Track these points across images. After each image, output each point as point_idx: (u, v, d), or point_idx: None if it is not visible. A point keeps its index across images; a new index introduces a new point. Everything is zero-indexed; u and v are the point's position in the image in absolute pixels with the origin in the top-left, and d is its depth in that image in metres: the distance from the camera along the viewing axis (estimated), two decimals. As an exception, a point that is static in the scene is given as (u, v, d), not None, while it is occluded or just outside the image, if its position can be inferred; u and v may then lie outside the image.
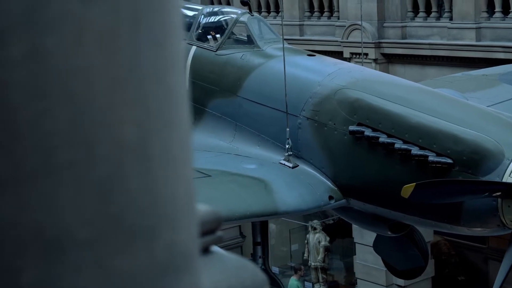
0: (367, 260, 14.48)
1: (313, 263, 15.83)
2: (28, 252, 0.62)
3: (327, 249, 15.95)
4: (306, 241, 16.19)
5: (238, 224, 16.33)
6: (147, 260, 0.68)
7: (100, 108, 0.65)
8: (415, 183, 6.60)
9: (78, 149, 0.64)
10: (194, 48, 9.54)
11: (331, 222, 16.58)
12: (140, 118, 0.67)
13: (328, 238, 15.93)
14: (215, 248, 1.05)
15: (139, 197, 0.68)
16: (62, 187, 0.64)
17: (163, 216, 0.69)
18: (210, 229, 1.06)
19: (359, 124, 7.63)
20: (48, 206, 0.63)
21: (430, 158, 7.03)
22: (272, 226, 17.62)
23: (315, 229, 15.92)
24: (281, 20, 10.03)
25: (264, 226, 10.22)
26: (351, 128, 7.62)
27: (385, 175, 7.48)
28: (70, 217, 0.64)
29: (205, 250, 1.04)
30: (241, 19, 9.38)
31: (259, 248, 10.10)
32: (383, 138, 7.40)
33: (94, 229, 0.65)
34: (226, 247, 15.43)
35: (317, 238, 15.85)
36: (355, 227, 14.12)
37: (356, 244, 15.17)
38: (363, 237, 14.21)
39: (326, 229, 16.28)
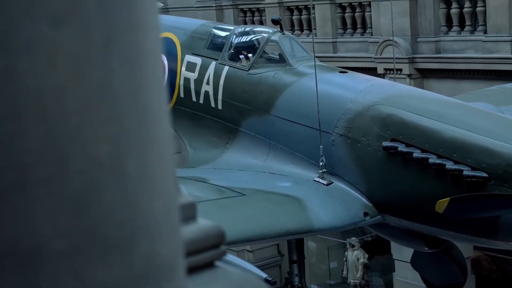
0: (406, 276, 14.33)
1: (352, 281, 15.72)
2: (6, 264, 0.66)
3: (366, 266, 15.83)
4: (344, 259, 16.09)
5: (275, 242, 16.31)
6: (125, 271, 0.71)
7: (73, 127, 0.68)
8: (449, 198, 6.55)
9: (52, 166, 0.67)
10: (226, 68, 9.62)
11: (370, 239, 16.46)
12: (114, 136, 0.70)
13: (366, 255, 15.81)
14: (219, 263, 1.08)
15: (115, 210, 0.71)
16: (37, 201, 0.67)
17: (140, 228, 0.72)
18: (214, 244, 1.09)
19: (392, 140, 7.60)
20: (24, 220, 0.66)
21: (465, 173, 6.97)
22: (311, 244, 17.56)
23: (353, 246, 15.83)
24: (312, 38, 10.06)
25: (299, 244, 10.20)
26: (385, 144, 7.59)
27: (419, 190, 7.43)
28: (46, 229, 0.67)
29: (210, 265, 1.07)
30: (273, 38, 9.43)
31: (295, 266, 10.08)
32: (417, 153, 7.36)
33: (70, 241, 0.68)
34: (264, 266, 15.42)
35: (355, 255, 15.76)
36: (393, 244, 14.00)
37: (395, 261, 15.04)
38: (402, 254, 14.07)
39: (364, 246, 16.17)
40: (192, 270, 1.01)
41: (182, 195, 1.08)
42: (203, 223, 1.12)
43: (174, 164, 0.78)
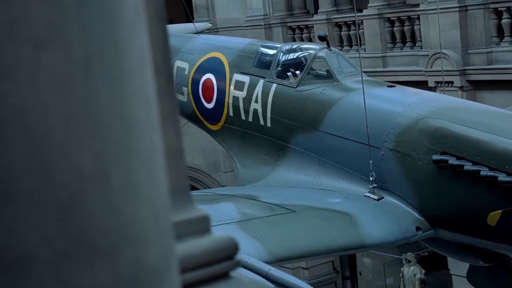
0: (464, 292, 14.10)
1: (409, 297, 15.54)
2: None
3: (423, 282, 15.64)
4: (401, 274, 15.92)
5: (329, 259, 16.23)
6: (111, 276, 0.74)
7: (57, 141, 0.72)
8: (501, 210, 6.45)
9: (37, 178, 0.72)
10: (274, 85, 9.67)
11: (426, 254, 16.26)
12: (98, 149, 0.74)
13: (423, 271, 15.63)
14: (234, 273, 1.11)
15: (100, 219, 0.75)
16: (23, 212, 0.71)
17: (127, 235, 0.76)
18: (228, 255, 1.12)
19: (442, 153, 7.53)
20: (10, 229, 0.70)
21: (518, 184, 6.86)
22: (366, 260, 17.42)
23: (409, 261, 15.66)
24: (359, 53, 10.05)
25: (352, 260, 10.15)
26: (435, 157, 7.53)
27: (472, 203, 7.34)
28: (32, 238, 0.71)
29: (224, 276, 1.10)
30: (320, 54, 9.45)
31: (348, 283, 10.03)
32: (468, 166, 7.28)
33: (56, 248, 0.72)
34: (319, 284, 15.35)
35: (412, 271, 15.58)
36: (450, 258, 13.81)
37: (453, 276, 14.82)
38: (460, 268, 13.85)
39: (421, 261, 15.98)
40: (207, 281, 1.04)
41: (196, 209, 1.12)
42: (217, 235, 1.15)
43: (163, 175, 0.82)
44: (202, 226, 1.17)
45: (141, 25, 0.79)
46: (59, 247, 0.73)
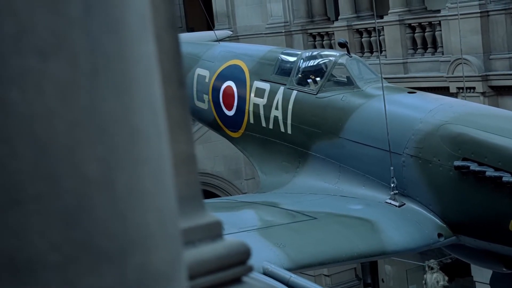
0: (488, 299, 13.98)
1: (432, 304, 15.43)
2: (2, 275, 0.71)
3: (446, 289, 15.52)
4: (424, 282, 15.81)
5: (351, 266, 16.17)
6: (117, 280, 0.76)
7: (63, 148, 0.74)
8: (523, 216, 6.40)
9: (43, 184, 0.73)
10: (295, 92, 9.68)
11: (449, 260, 16.14)
12: (103, 155, 0.76)
13: (446, 278, 15.51)
14: (246, 278, 1.12)
15: (106, 224, 0.76)
16: (30, 217, 0.73)
17: (133, 240, 0.77)
18: (240, 260, 1.13)
19: (464, 159, 7.50)
20: (17, 234, 0.72)
21: (540, 190, 6.82)
22: (387, 268, 17.33)
23: (432, 268, 15.55)
24: (379, 59, 10.03)
25: (374, 267, 10.11)
26: (456, 163, 7.49)
27: (494, 209, 7.29)
28: (40, 242, 0.73)
29: (237, 281, 1.11)
30: (340, 61, 9.45)
31: (370, 290, 9.99)
32: (490, 172, 7.23)
33: (63, 253, 0.74)
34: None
35: (435, 278, 15.47)
36: (473, 265, 13.71)
37: (476, 283, 14.71)
38: (483, 275, 13.75)
39: (444, 268, 15.86)
40: (220, 286, 1.05)
41: (209, 214, 1.13)
42: (229, 241, 1.16)
43: (171, 180, 0.83)
44: (214, 231, 1.18)
45: (147, 34, 0.81)
46: (65, 252, 0.74)
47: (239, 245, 1.16)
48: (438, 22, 15.26)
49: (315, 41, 18.84)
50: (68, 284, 0.74)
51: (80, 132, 0.76)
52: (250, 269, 1.17)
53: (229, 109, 10.89)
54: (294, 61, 10.01)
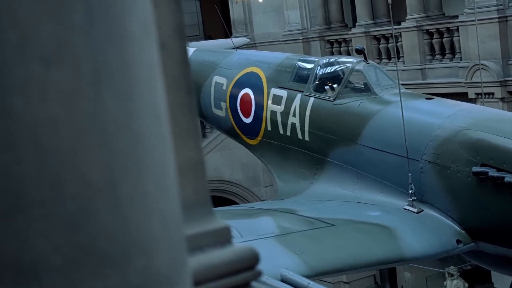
0: (509, 306, 13.86)
1: (452, 311, 15.34)
2: (6, 278, 0.73)
3: (466, 296, 15.43)
4: (444, 289, 15.74)
5: (371, 273, 16.11)
6: (121, 282, 0.77)
7: (66, 154, 0.76)
8: (542, 222, 6.36)
9: (47, 190, 0.75)
10: (312, 99, 9.68)
11: (469, 267, 16.04)
12: (106, 161, 0.77)
13: (466, 285, 15.41)
14: (255, 283, 1.13)
15: (109, 228, 0.78)
16: (34, 221, 0.75)
17: (136, 243, 0.79)
18: (248, 265, 1.14)
19: (482, 165, 7.46)
20: (21, 238, 0.74)
21: (559, 196, 6.77)
22: (406, 275, 17.25)
23: (452, 275, 15.47)
24: (396, 65, 10.01)
25: (393, 274, 10.07)
26: (475, 169, 7.46)
27: (512, 215, 7.25)
28: (43, 246, 0.74)
29: (245, 286, 1.12)
30: (357, 67, 9.44)
31: (389, 296, 9.95)
32: (508, 178, 7.19)
33: (66, 256, 0.75)
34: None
35: (455, 285, 15.38)
36: (494, 272, 13.62)
37: (497, 290, 14.61)
38: (504, 282, 13.66)
39: (464, 275, 15.77)
40: (229, 291, 1.07)
41: (217, 220, 1.14)
42: (238, 246, 1.17)
43: (174, 185, 0.85)
44: (223, 237, 1.19)
45: (151, 41, 0.83)
46: (69, 255, 0.76)
47: (248, 251, 1.17)
48: (456, 27, 15.21)
49: (332, 48, 18.84)
50: (71, 287, 0.75)
51: (83, 138, 0.77)
52: (259, 274, 1.18)
53: (247, 116, 10.91)
54: (311, 68, 10.02)
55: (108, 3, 0.79)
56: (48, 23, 0.75)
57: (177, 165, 1.14)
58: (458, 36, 15.15)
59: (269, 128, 10.45)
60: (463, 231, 7.75)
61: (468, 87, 14.29)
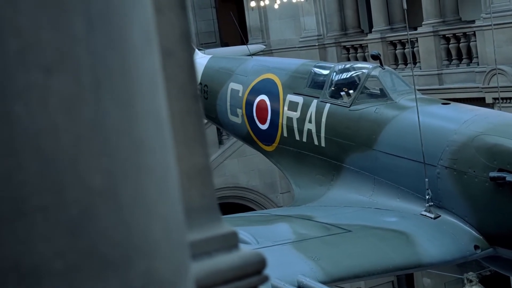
0: (529, 312, 13.77)
1: (471, 317, 15.23)
2: (8, 281, 0.74)
3: (485, 302, 15.31)
4: (462, 295, 15.63)
5: (389, 279, 16.04)
6: (122, 287, 0.78)
7: (68, 160, 0.77)
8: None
9: (49, 196, 0.76)
10: (328, 105, 9.68)
11: (488, 273, 15.93)
12: (108, 167, 0.78)
13: (485, 291, 15.31)
14: (263, 288, 1.14)
15: (111, 232, 0.79)
16: (36, 226, 0.76)
17: (137, 247, 0.80)
18: (255, 270, 1.15)
19: (500, 170, 7.42)
20: (24, 243, 0.75)
21: None
22: (426, 280, 17.17)
23: (471, 281, 15.36)
24: (412, 70, 9.99)
25: (410, 280, 10.03)
26: (492, 174, 7.42)
27: (531, 220, 7.20)
28: (45, 250, 0.76)
29: (252, 290, 1.14)
30: (373, 73, 9.43)
31: (407, 303, 9.91)
32: (526, 183, 7.15)
33: (68, 260, 0.77)
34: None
35: (474, 291, 15.28)
36: (513, 278, 13.53)
37: (516, 296, 14.49)
38: (523, 288, 13.56)
39: (483, 281, 15.66)
40: (236, 296, 1.08)
41: (224, 225, 1.15)
42: (244, 251, 1.18)
43: (176, 190, 0.86)
44: (230, 242, 1.20)
45: (151, 48, 0.84)
46: (71, 260, 0.77)
47: (255, 255, 1.18)
48: (472, 32, 15.16)
49: (348, 53, 18.83)
50: (73, 291, 0.77)
51: (84, 144, 0.79)
52: (266, 279, 1.18)
53: (263, 122, 10.93)
54: (327, 74, 10.02)
55: (109, 11, 0.80)
56: (49, 31, 0.77)
57: (184, 171, 1.16)
58: (475, 41, 15.09)
59: (285, 134, 10.46)
60: (481, 237, 7.70)
61: (485, 92, 14.23)
